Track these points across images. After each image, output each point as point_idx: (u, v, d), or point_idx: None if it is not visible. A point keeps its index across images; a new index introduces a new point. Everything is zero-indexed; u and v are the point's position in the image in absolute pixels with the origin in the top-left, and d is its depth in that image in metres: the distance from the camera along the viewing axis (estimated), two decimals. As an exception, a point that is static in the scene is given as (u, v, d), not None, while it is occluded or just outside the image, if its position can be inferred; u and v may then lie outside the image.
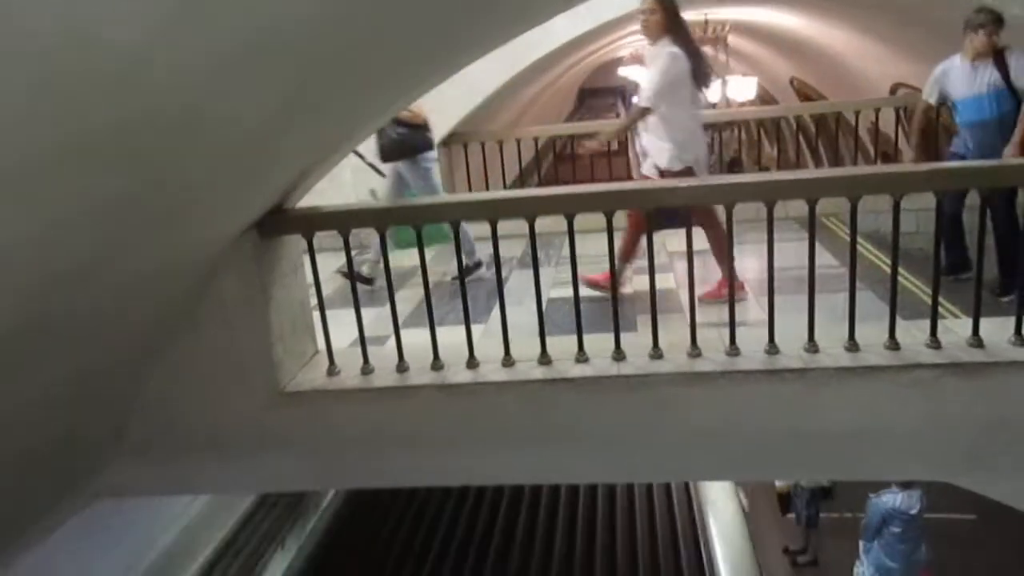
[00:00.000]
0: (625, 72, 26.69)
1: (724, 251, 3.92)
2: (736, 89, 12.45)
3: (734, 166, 13.34)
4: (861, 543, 6.82)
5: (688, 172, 4.39)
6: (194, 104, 1.85)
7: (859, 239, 5.20)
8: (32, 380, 2.58)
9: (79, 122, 1.59)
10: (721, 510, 5.93)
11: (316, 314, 3.69)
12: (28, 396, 2.66)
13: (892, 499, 6.42)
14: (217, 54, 1.66)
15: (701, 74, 4.45)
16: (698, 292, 3.60)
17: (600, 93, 29.25)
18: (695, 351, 3.36)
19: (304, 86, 2.22)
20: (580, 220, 3.36)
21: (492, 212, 3.42)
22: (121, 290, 2.62)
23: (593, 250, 4.74)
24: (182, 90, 1.74)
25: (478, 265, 5.27)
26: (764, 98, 16.71)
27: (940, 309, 3.42)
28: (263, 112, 2.20)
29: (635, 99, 4.34)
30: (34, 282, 2.10)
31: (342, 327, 3.74)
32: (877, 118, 7.06)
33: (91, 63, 1.41)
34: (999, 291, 4.32)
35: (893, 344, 3.22)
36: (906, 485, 6.40)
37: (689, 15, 6.17)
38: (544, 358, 3.44)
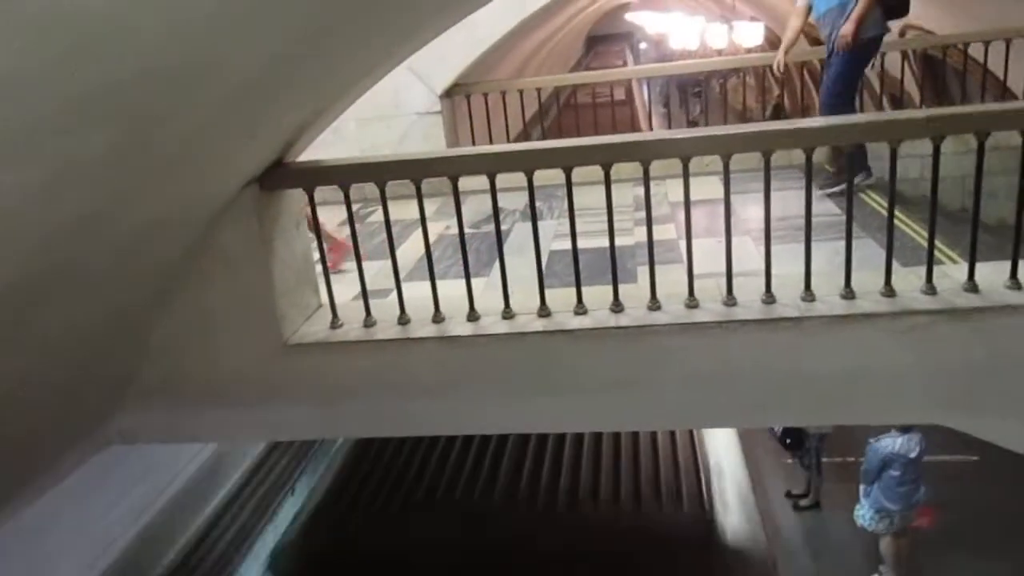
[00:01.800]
0: (632, 17, 26.28)
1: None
2: (742, 34, 12.21)
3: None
4: (861, 487, 6.94)
5: None
6: (189, 58, 1.87)
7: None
8: (41, 328, 2.65)
9: (75, 83, 1.61)
10: (722, 457, 6.02)
11: (319, 268, 3.74)
12: (38, 344, 2.73)
13: (891, 443, 6.51)
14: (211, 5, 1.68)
15: None
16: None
17: (609, 40, 28.85)
18: (692, 302, 3.39)
19: (299, 33, 2.23)
20: (583, 172, 3.37)
21: (490, 166, 3.43)
22: (124, 242, 2.67)
23: (595, 202, 4.75)
24: (176, 45, 1.76)
25: None
26: (773, 42, 16.39)
27: (940, 255, 3.43)
28: (258, 63, 2.21)
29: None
30: (42, 233, 2.15)
31: (344, 282, 3.78)
32: (883, 61, 6.96)
33: (83, 25, 1.44)
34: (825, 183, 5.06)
35: (888, 291, 3.25)
36: (905, 429, 6.48)
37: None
38: (543, 310, 3.49)
